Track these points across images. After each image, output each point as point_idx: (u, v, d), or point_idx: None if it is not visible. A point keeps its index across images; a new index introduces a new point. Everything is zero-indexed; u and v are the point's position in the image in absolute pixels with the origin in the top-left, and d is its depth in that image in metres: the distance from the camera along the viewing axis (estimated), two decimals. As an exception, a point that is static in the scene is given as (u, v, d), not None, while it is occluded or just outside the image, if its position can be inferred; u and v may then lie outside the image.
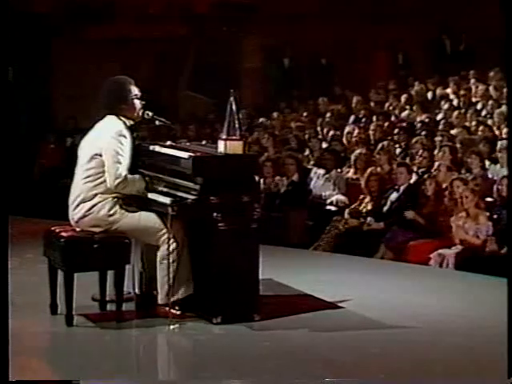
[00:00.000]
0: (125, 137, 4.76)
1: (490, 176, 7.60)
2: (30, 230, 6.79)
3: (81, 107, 11.67)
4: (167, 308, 4.72)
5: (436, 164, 7.71)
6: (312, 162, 9.00)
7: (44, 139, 11.51)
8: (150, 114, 5.00)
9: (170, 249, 4.70)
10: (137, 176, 4.83)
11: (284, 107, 12.68)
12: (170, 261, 4.69)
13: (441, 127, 9.60)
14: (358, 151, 8.47)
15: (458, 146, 8.25)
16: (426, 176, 7.53)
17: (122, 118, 4.84)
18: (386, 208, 7.35)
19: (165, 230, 4.72)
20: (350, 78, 13.86)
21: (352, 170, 8.39)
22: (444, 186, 7.15)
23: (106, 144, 4.73)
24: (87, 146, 4.84)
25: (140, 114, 4.91)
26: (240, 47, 14.17)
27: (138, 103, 4.90)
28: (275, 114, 11.89)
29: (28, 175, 10.43)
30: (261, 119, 11.68)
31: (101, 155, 4.74)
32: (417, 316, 4.96)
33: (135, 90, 4.90)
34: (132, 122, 4.90)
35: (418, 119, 10.33)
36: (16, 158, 9.29)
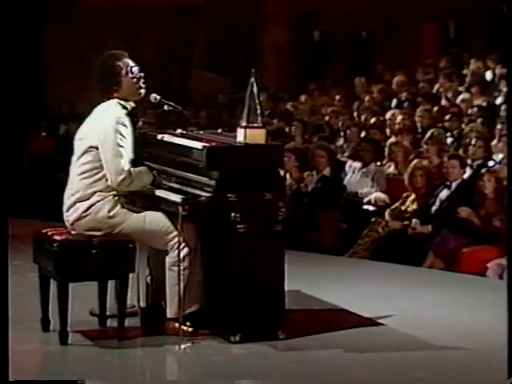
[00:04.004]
0: (124, 125, 4.72)
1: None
2: (17, 232, 6.83)
3: (77, 89, 11.75)
4: (177, 324, 4.76)
5: (500, 156, 7.65)
6: (347, 154, 9.01)
7: (34, 126, 11.60)
8: (158, 97, 5.02)
9: (181, 255, 4.74)
10: (143, 168, 4.85)
11: (314, 89, 12.69)
12: (181, 268, 4.72)
13: (501, 113, 9.56)
14: (391, 140, 8.46)
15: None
16: (483, 170, 7.50)
17: (122, 102, 4.80)
18: (434, 208, 7.35)
19: (175, 233, 4.76)
20: (392, 55, 13.83)
21: (394, 164, 8.39)
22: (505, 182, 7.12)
23: (103, 135, 4.70)
24: (82, 137, 4.82)
25: (141, 92, 4.83)
26: (262, 18, 14.19)
27: (133, 79, 4.79)
28: (303, 98, 11.91)
29: (15, 168, 10.52)
30: (287, 104, 11.70)
31: (97, 148, 4.72)
32: (470, 335, 4.97)
33: (127, 64, 4.81)
34: (133, 105, 4.85)
35: (475, 103, 10.30)
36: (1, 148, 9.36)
